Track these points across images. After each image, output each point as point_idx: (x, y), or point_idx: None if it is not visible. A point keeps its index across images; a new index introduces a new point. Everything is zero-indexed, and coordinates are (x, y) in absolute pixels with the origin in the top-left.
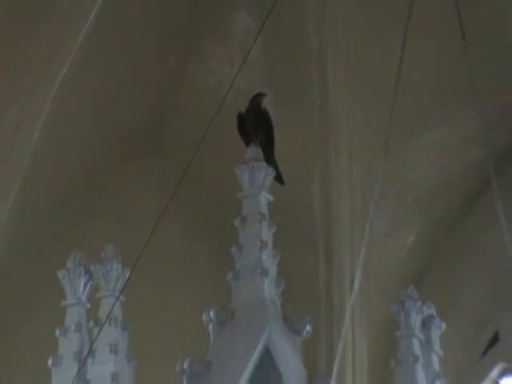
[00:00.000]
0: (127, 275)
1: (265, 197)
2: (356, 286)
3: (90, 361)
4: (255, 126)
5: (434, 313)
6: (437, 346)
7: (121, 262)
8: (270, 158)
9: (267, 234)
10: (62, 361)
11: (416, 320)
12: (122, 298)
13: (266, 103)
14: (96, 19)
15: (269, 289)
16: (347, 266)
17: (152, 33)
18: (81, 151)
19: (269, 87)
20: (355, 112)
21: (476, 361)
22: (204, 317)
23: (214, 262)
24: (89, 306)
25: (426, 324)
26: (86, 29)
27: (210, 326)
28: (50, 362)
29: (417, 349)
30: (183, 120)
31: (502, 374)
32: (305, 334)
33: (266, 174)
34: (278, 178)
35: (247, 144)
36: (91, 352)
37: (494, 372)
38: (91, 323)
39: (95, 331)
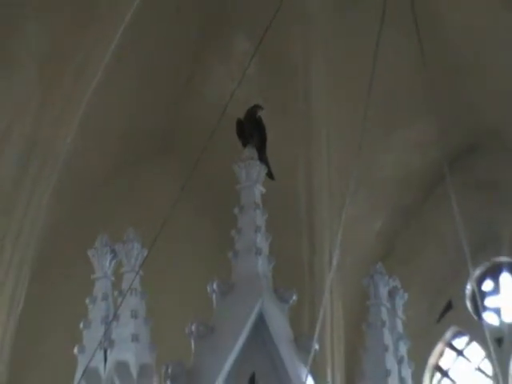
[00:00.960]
0: (145, 254)
1: (259, 189)
2: (334, 262)
3: (114, 324)
4: (251, 130)
5: (398, 285)
6: (400, 313)
7: (140, 242)
8: (262, 158)
9: (261, 219)
10: (91, 324)
11: (383, 291)
12: (140, 272)
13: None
14: (119, 47)
15: (262, 265)
16: (327, 246)
17: (167, 54)
18: (111, 147)
19: (263, 98)
20: (334, 120)
21: (433, 325)
22: (208, 288)
23: (217, 243)
24: (113, 279)
25: (391, 294)
26: (108, 57)
27: (214, 296)
28: (81, 324)
29: (384, 315)
30: (192, 125)
31: (454, 336)
32: (291, 302)
33: (259, 170)
34: (269, 174)
35: (244, 145)
36: (115, 317)
37: (448, 334)
38: (115, 293)
39: (119, 300)
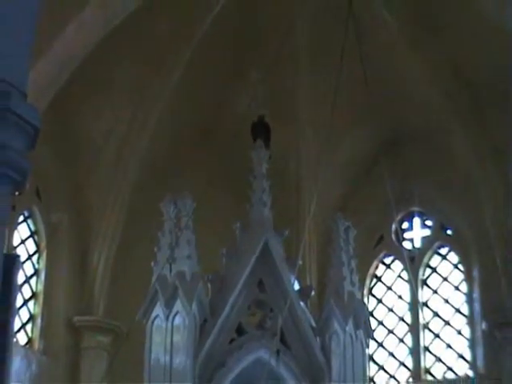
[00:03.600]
0: (194, 206)
1: (265, 166)
2: (311, 210)
3: (176, 248)
4: (261, 130)
5: (350, 225)
6: (351, 242)
7: (191, 198)
8: (267, 147)
9: (266, 184)
10: (161, 248)
11: (341, 229)
12: (192, 217)
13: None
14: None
15: (266, 213)
16: (307, 200)
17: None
18: (170, 138)
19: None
20: (313, 119)
21: (371, 249)
22: (234, 227)
23: (237, 199)
24: (175, 221)
25: (346, 231)
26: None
27: (237, 231)
28: (155, 248)
29: (341, 243)
30: (224, 125)
31: (384, 256)
32: (284, 236)
33: (264, 154)
34: (270, 156)
35: (255, 139)
36: (177, 244)
37: (381, 255)
38: (177, 229)
39: (179, 233)
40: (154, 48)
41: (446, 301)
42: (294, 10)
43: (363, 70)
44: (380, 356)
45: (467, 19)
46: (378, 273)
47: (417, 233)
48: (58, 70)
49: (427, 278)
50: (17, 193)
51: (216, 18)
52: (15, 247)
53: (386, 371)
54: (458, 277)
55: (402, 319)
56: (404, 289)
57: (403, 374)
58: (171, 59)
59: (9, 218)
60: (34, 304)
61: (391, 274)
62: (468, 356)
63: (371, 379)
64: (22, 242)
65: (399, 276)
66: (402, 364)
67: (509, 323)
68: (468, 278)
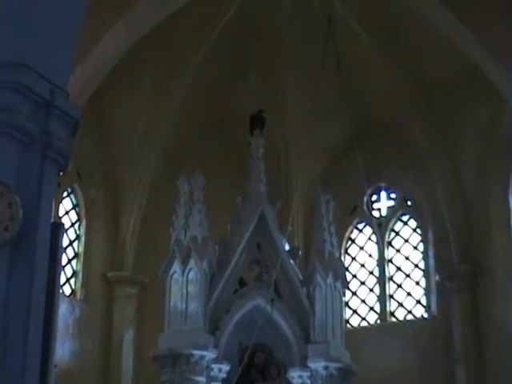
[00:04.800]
0: (204, 182)
1: (261, 150)
2: (298, 186)
3: (189, 217)
4: (258, 121)
5: (330, 197)
6: (331, 212)
7: (202, 176)
8: (263, 136)
9: (262, 164)
10: (178, 217)
11: (322, 201)
12: (202, 192)
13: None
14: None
15: (262, 188)
16: (294, 178)
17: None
18: (184, 128)
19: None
20: (297, 111)
21: (347, 217)
22: (238, 200)
23: (239, 177)
24: (189, 195)
25: (327, 202)
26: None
27: (239, 203)
28: (173, 217)
29: (323, 213)
30: (228, 117)
31: (357, 223)
32: (277, 207)
33: (261, 141)
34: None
35: (253, 128)
36: (190, 213)
37: (354, 222)
38: (190, 202)
39: (191, 205)
40: (172, 55)
41: (407, 258)
42: (284, 26)
43: (339, 72)
44: (354, 302)
45: (422, 33)
46: (353, 236)
47: (383, 204)
48: (95, 72)
49: (392, 239)
50: (61, 173)
51: (222, 32)
52: (60, 217)
53: (358, 314)
54: (416, 239)
55: (371, 273)
56: (373, 249)
57: (372, 317)
58: (186, 64)
59: (55, 193)
60: (76, 262)
61: (363, 237)
62: (424, 302)
63: (347, 321)
64: (66, 212)
65: (369, 238)
66: (372, 309)
67: (456, 276)
68: (424, 240)
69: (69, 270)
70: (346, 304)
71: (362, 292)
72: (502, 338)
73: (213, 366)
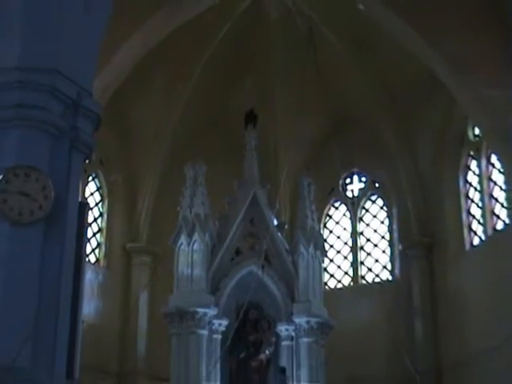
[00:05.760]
0: (205, 170)
1: (254, 142)
2: (285, 171)
3: (194, 198)
4: (251, 118)
5: (311, 182)
6: (312, 192)
7: (204, 164)
8: (255, 129)
9: (255, 155)
10: (185, 198)
11: (305, 184)
12: (204, 177)
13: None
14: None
15: (255, 173)
16: (281, 163)
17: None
18: (190, 123)
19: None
20: (284, 108)
21: (326, 197)
22: (234, 184)
23: (235, 164)
24: (194, 179)
25: (309, 185)
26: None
27: (235, 186)
28: (181, 197)
29: (305, 193)
30: (226, 114)
31: (334, 201)
32: (267, 188)
33: (254, 133)
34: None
35: (247, 123)
36: (195, 194)
37: (331, 201)
38: (195, 186)
39: (195, 187)
40: (179, 61)
41: (375, 231)
42: (273, 37)
43: (318, 76)
44: (331, 268)
45: (386, 42)
46: (330, 213)
47: (356, 186)
48: (115, 76)
49: (362, 215)
50: (86, 161)
51: (221, 42)
52: (86, 198)
53: (335, 278)
54: (382, 215)
55: (345, 243)
56: (347, 223)
57: (346, 280)
58: (191, 69)
59: (81, 177)
60: (100, 235)
61: (338, 214)
62: (389, 267)
63: (325, 283)
64: (91, 194)
65: (344, 215)
66: (346, 273)
67: (415, 245)
68: (389, 215)
69: (94, 242)
70: (325, 269)
71: (338, 259)
72: (453, 297)
73: (214, 321)
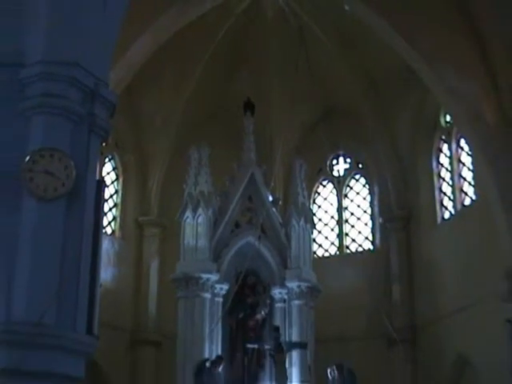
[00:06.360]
0: (209, 152)
1: (251, 127)
2: (279, 153)
3: (198, 177)
4: (248, 106)
5: (302, 162)
6: (303, 173)
7: (208, 147)
8: (253, 116)
9: (252, 138)
10: (189, 176)
11: (297, 164)
12: (207, 158)
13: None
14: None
15: (252, 155)
16: (276, 146)
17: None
18: (194, 111)
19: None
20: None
21: (316, 176)
22: (234, 165)
23: (235, 147)
24: (198, 161)
25: (300, 166)
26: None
27: (235, 167)
28: (186, 176)
29: (297, 173)
30: (226, 103)
31: (322, 180)
32: (263, 169)
33: (252, 120)
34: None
35: (245, 111)
36: (199, 171)
37: (320, 180)
38: (199, 166)
39: (200, 168)
40: (185, 56)
41: (358, 206)
42: (269, 34)
43: (309, 69)
44: (319, 239)
45: (369, 38)
46: (319, 190)
47: (341, 166)
48: (128, 69)
49: (347, 192)
50: (103, 144)
51: (222, 39)
52: (103, 176)
53: (323, 247)
54: (365, 192)
55: (332, 217)
56: (333, 199)
57: (333, 249)
58: (195, 63)
59: (99, 158)
60: (115, 210)
61: (326, 191)
62: (370, 238)
63: (314, 252)
64: (108, 173)
65: (331, 192)
66: (332, 243)
67: (394, 219)
68: (371, 192)
69: (110, 216)
70: (314, 240)
71: (325, 231)
72: (426, 264)
73: (216, 285)
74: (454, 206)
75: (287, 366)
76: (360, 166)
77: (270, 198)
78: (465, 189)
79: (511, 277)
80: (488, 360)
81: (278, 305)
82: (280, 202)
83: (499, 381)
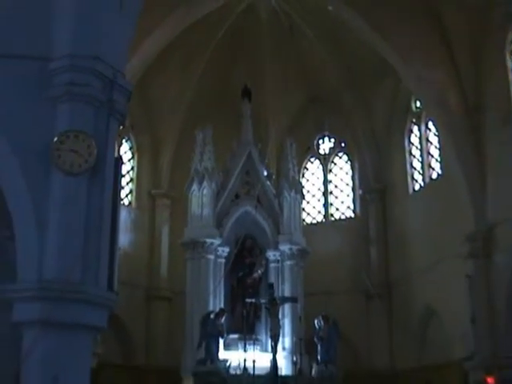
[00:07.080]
0: (212, 133)
1: (248, 112)
2: (273, 133)
3: (203, 155)
4: (246, 92)
5: (293, 141)
6: (294, 150)
7: (211, 129)
8: (250, 102)
9: (250, 123)
10: (195, 154)
11: (289, 144)
12: (211, 138)
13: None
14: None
15: (249, 136)
16: (270, 127)
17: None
18: (199, 98)
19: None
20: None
21: (304, 153)
22: (234, 144)
23: (236, 131)
24: (203, 141)
25: (291, 145)
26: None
27: (235, 147)
28: (193, 154)
29: (288, 151)
30: (227, 91)
31: (310, 158)
32: (258, 147)
33: (249, 105)
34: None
35: (243, 97)
36: (204, 152)
37: (308, 157)
38: (204, 145)
39: (204, 147)
40: (193, 47)
41: (341, 179)
42: (263, 31)
43: (298, 61)
44: (308, 208)
45: (351, 35)
46: (307, 166)
47: (326, 145)
48: (143, 60)
49: (332, 168)
50: (121, 126)
51: (225, 33)
52: (121, 155)
53: (310, 215)
54: (347, 167)
55: (318, 189)
56: (320, 174)
57: (320, 217)
58: (201, 53)
59: (117, 139)
60: (131, 184)
61: (313, 166)
62: (352, 207)
63: (303, 220)
64: (124, 152)
65: (317, 167)
66: (319, 212)
67: (372, 190)
68: (352, 168)
69: (127, 189)
70: (303, 209)
71: (313, 201)
72: (400, 230)
73: (218, 248)
74: (423, 180)
75: (280, 317)
76: (343, 145)
77: (265, 173)
78: (432, 164)
79: (471, 239)
80: (451, 310)
81: (273, 265)
82: (273, 176)
83: (461, 327)
